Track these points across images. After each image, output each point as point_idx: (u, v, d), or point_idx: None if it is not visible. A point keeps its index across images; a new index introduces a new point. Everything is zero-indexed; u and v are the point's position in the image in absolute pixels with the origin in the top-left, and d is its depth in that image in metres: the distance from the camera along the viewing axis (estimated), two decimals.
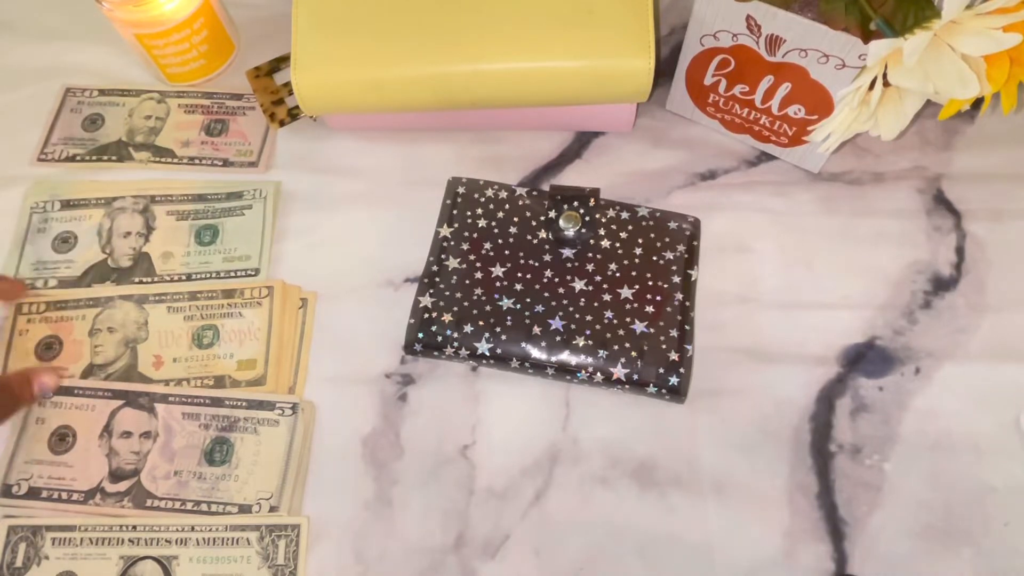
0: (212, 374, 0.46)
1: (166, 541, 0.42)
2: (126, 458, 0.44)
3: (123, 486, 0.43)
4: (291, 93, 0.54)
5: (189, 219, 0.51)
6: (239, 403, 0.45)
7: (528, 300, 0.45)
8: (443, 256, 0.47)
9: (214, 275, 0.49)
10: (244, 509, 0.42)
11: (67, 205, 0.52)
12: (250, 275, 0.49)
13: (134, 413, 0.45)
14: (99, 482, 0.43)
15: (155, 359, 0.47)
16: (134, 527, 0.42)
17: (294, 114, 0.54)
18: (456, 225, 0.48)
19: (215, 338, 0.47)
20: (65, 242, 0.50)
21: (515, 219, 0.48)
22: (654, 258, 0.47)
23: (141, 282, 0.49)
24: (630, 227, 0.48)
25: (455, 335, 0.45)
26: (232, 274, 0.49)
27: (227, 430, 0.44)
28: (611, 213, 0.48)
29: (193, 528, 0.42)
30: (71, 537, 0.42)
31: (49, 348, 0.47)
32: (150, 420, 0.45)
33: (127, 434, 0.44)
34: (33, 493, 0.43)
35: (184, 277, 0.49)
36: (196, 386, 0.46)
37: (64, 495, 0.43)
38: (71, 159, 0.53)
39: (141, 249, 0.50)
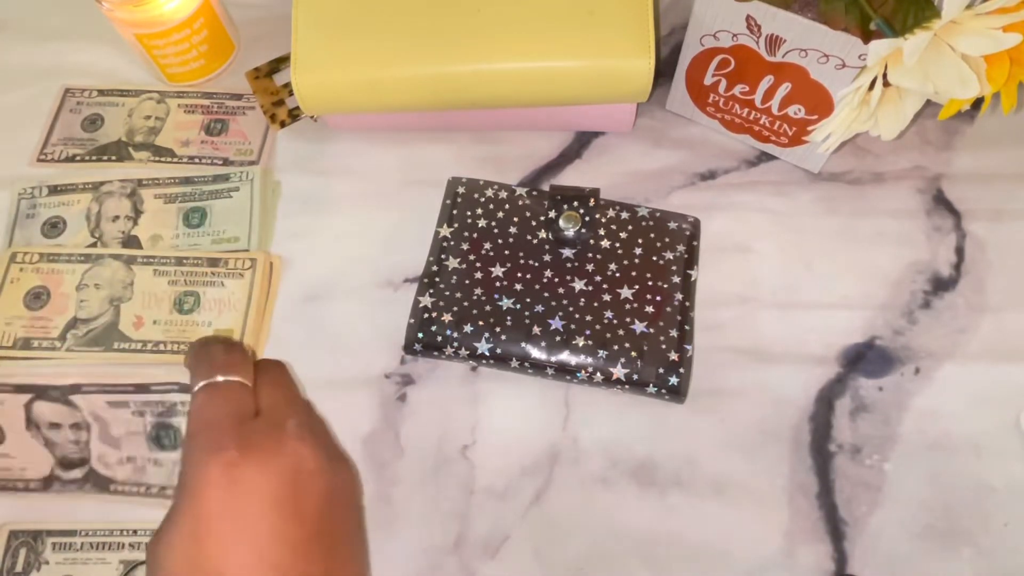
0: (188, 340, 0.47)
1: None
2: (67, 448, 0.44)
3: (77, 473, 0.43)
4: (291, 94, 0.54)
5: (177, 202, 0.51)
6: (171, 387, 0.45)
7: (528, 300, 0.45)
8: (443, 256, 0.47)
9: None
10: None
11: (55, 191, 0.52)
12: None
13: (49, 406, 0.45)
14: (51, 470, 0.43)
15: (136, 319, 0.47)
16: (135, 531, 0.42)
17: (295, 115, 0.54)
18: (456, 225, 0.48)
19: (196, 305, 0.48)
20: (54, 227, 0.51)
21: (515, 219, 0.48)
22: (654, 258, 0.47)
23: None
24: (630, 227, 0.48)
25: (455, 335, 0.45)
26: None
27: (166, 415, 0.45)
28: (611, 213, 0.48)
29: None
30: (71, 542, 0.42)
31: (37, 298, 0.48)
32: (72, 412, 0.45)
33: (55, 425, 0.45)
34: None
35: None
36: (172, 350, 0.46)
37: (20, 484, 0.43)
38: (71, 159, 0.53)
39: (130, 232, 0.51)
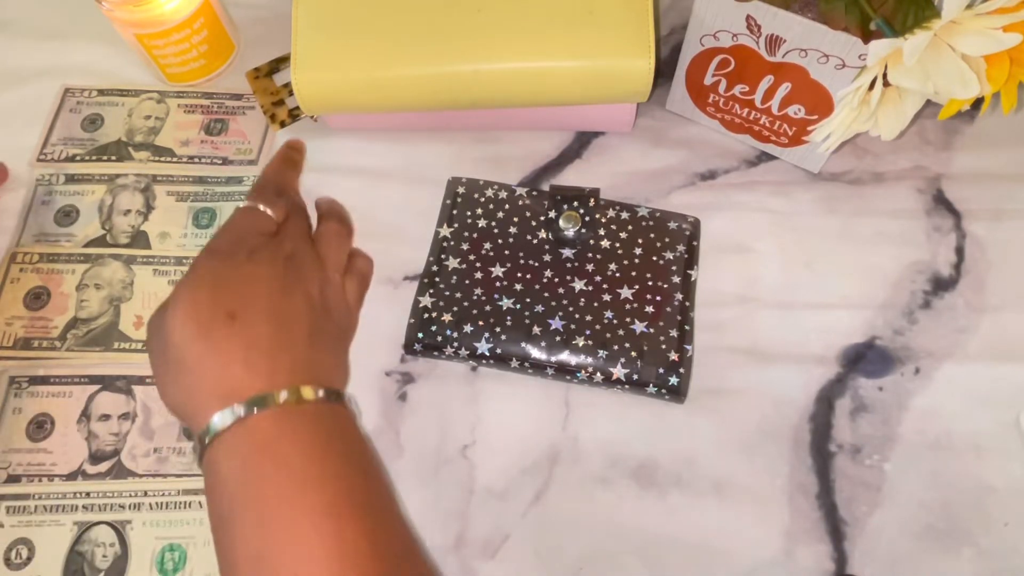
0: None
1: (119, 506, 0.42)
2: (105, 440, 0.44)
3: (104, 467, 0.44)
4: (291, 94, 0.54)
5: (188, 201, 0.52)
6: None
7: (528, 300, 0.45)
8: (443, 256, 0.47)
9: None
10: None
11: (72, 179, 0.52)
12: None
13: (111, 396, 0.45)
14: (80, 465, 0.44)
15: (136, 319, 0.47)
16: (87, 493, 0.43)
17: (295, 115, 0.54)
18: (456, 225, 0.48)
19: None
20: (67, 215, 0.51)
21: (515, 219, 0.48)
22: (654, 258, 0.47)
23: None
24: (630, 227, 0.48)
25: (455, 335, 0.45)
26: None
27: None
28: (611, 213, 0.48)
29: (146, 493, 0.43)
30: (25, 505, 0.42)
31: (37, 298, 0.48)
32: (128, 402, 0.45)
33: (105, 417, 0.45)
34: (12, 480, 0.43)
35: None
36: None
37: (45, 480, 0.43)
38: (71, 159, 0.53)
39: (139, 227, 0.51)
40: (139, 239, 0.50)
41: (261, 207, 0.43)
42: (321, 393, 0.37)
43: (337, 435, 0.37)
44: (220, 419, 0.34)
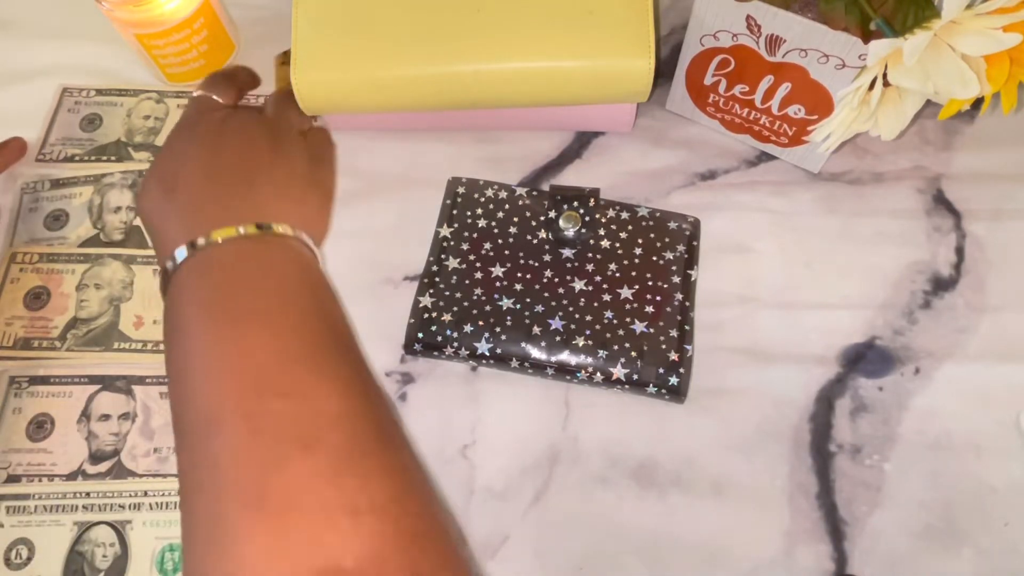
0: None
1: (119, 506, 0.43)
2: (105, 440, 0.44)
3: (104, 467, 0.44)
4: None
5: None
6: None
7: (528, 300, 0.45)
8: (443, 256, 0.47)
9: None
10: None
11: (57, 184, 0.52)
12: None
13: (111, 396, 0.45)
14: (80, 464, 0.44)
15: (136, 319, 0.48)
16: (87, 493, 0.43)
17: None
18: (456, 225, 0.48)
19: None
20: (57, 220, 0.51)
21: (515, 219, 0.48)
22: (654, 258, 0.47)
23: None
24: (630, 227, 0.48)
25: (455, 335, 0.45)
26: None
27: None
28: (611, 213, 0.48)
29: (146, 493, 0.43)
30: (25, 505, 0.42)
31: (37, 298, 0.48)
32: (128, 402, 0.45)
33: (105, 417, 0.45)
34: (12, 480, 0.43)
35: None
36: None
37: (45, 480, 0.43)
38: (70, 159, 0.53)
39: (132, 223, 0.51)
40: (134, 235, 0.50)
41: (209, 94, 0.46)
42: (243, 230, 0.39)
43: (265, 264, 0.39)
44: (166, 267, 0.39)
